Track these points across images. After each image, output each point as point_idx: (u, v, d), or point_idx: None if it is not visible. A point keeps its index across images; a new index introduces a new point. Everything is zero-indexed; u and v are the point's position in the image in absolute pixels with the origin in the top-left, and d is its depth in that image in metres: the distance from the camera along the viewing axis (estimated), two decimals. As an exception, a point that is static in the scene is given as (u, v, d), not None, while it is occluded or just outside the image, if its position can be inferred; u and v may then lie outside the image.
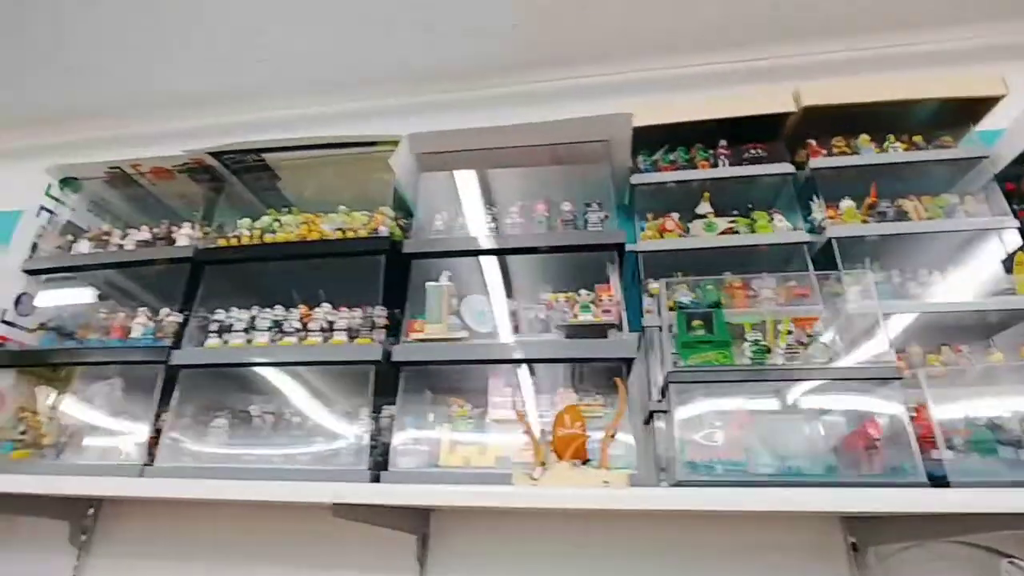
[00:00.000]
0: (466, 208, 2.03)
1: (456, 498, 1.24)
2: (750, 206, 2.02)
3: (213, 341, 1.94)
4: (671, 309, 1.72)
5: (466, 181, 2.04)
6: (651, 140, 2.10)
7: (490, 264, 1.94)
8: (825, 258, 1.85)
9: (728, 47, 2.38)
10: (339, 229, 2.03)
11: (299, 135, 2.15)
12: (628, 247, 1.88)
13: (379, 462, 1.68)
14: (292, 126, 2.88)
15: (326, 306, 1.95)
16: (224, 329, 1.96)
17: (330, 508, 1.31)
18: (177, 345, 1.94)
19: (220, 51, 2.61)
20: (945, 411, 1.41)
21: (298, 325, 1.92)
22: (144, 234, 2.23)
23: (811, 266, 1.82)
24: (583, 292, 1.77)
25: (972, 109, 1.95)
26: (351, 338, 1.85)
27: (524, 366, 1.77)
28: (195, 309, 2.03)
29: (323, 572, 1.89)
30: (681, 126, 2.05)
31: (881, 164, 1.91)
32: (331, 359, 1.81)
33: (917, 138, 1.99)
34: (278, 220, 2.14)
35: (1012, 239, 1.76)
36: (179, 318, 2.02)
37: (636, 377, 1.68)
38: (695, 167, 2.07)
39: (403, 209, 2.13)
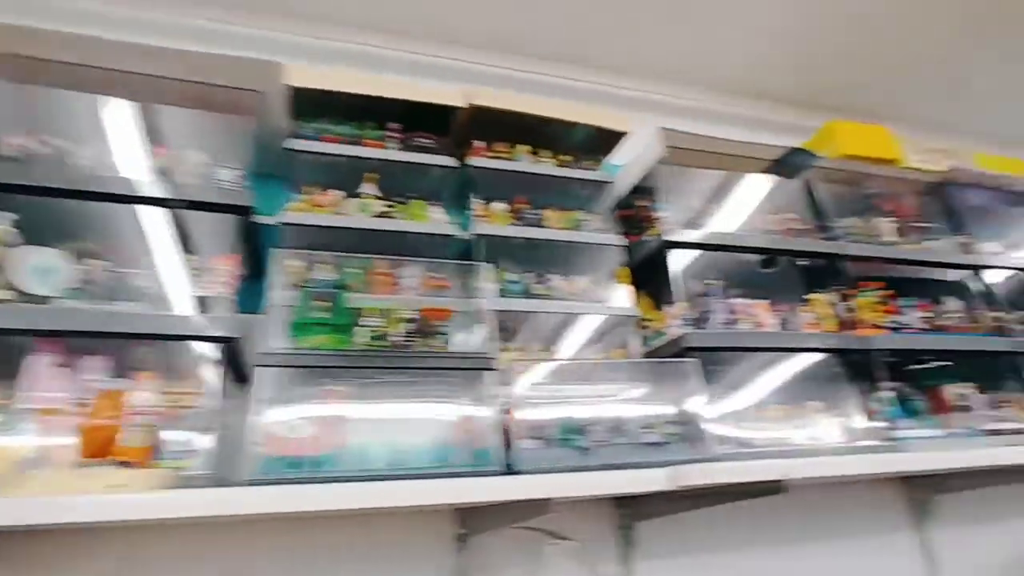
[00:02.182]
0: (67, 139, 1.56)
1: None
2: (413, 195, 1.98)
3: None
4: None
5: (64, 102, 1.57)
6: (320, 108, 1.92)
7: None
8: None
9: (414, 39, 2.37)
10: None
11: None
12: (271, 219, 1.67)
13: None
14: None
15: None
16: None
17: None
18: None
19: None
20: (539, 404, 1.51)
21: None
22: None
23: (457, 260, 1.84)
24: (192, 259, 1.49)
25: (608, 143, 2.22)
26: None
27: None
28: None
29: None
30: (351, 100, 1.91)
31: (525, 172, 2.04)
32: None
33: (566, 158, 2.18)
34: None
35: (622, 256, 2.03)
36: None
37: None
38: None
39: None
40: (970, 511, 2.17)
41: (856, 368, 1.98)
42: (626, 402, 1.63)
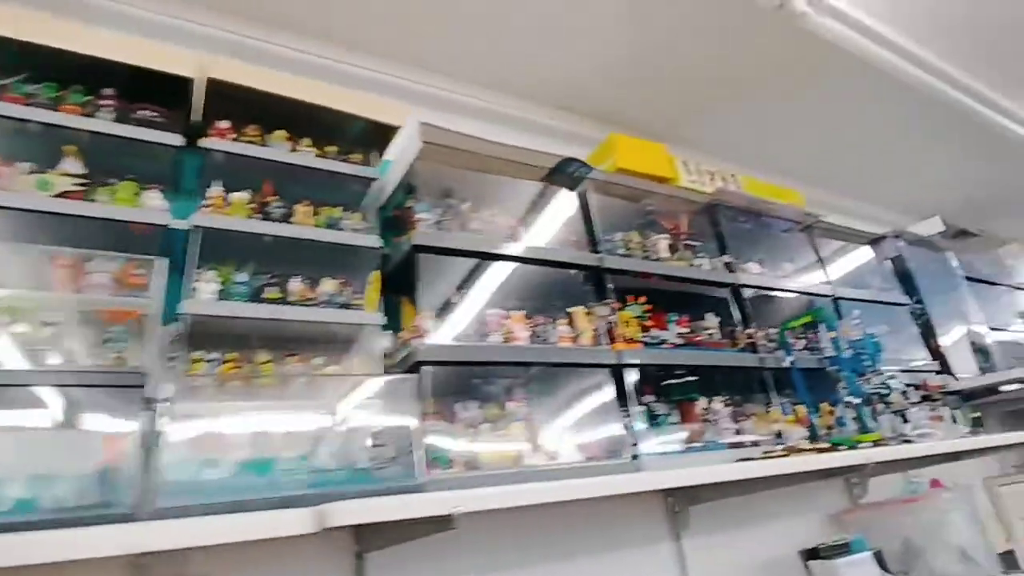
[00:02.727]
0: None
1: None
2: (132, 176, 1.69)
3: None
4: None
5: None
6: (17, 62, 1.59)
7: None
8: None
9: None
10: None
11: None
12: None
13: None
14: None
15: None
16: None
17: None
18: None
19: None
20: (220, 427, 1.30)
21: None
22: None
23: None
24: None
25: (382, 136, 2.05)
26: None
27: None
28: None
29: None
30: (46, 54, 1.59)
31: (262, 159, 1.81)
32: None
33: (331, 148, 1.99)
34: None
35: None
36: None
37: None
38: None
39: None
40: (721, 520, 2.25)
41: (615, 383, 1.97)
42: (342, 422, 1.46)
